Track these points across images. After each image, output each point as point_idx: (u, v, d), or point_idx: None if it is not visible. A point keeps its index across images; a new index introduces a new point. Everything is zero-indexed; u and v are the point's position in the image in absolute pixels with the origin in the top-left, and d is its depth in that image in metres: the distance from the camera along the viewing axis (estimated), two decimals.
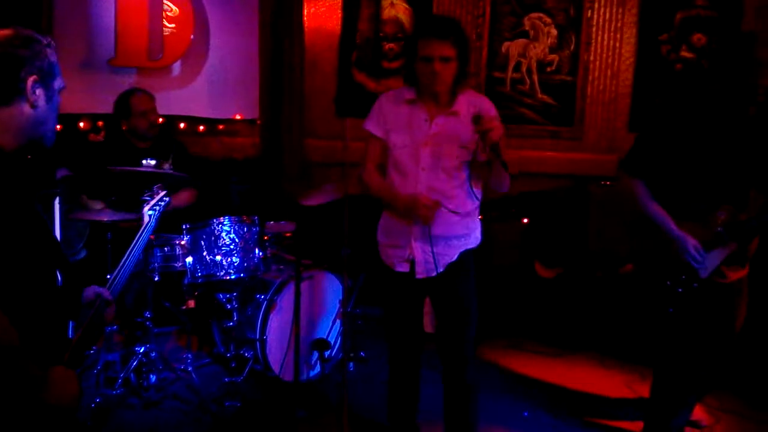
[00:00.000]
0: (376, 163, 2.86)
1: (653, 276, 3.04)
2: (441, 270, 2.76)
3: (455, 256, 2.79)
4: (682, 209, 2.92)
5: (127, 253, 2.10)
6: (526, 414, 3.51)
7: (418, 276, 2.77)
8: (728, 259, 2.91)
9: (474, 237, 2.86)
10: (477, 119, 2.51)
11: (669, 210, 2.92)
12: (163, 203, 2.60)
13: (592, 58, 5.04)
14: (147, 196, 2.65)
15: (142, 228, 2.36)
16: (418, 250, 2.75)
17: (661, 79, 4.94)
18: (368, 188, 2.88)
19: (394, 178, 2.79)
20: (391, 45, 5.22)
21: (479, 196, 2.81)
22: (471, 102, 2.71)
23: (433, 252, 2.72)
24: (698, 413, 3.44)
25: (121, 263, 2.04)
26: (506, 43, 5.12)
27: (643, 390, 3.57)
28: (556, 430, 3.38)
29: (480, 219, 4.81)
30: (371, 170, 2.87)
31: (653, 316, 3.14)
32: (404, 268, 2.79)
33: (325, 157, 5.11)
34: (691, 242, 2.87)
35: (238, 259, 3.42)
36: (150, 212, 2.52)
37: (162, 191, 2.65)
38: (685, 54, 4.90)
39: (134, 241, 2.17)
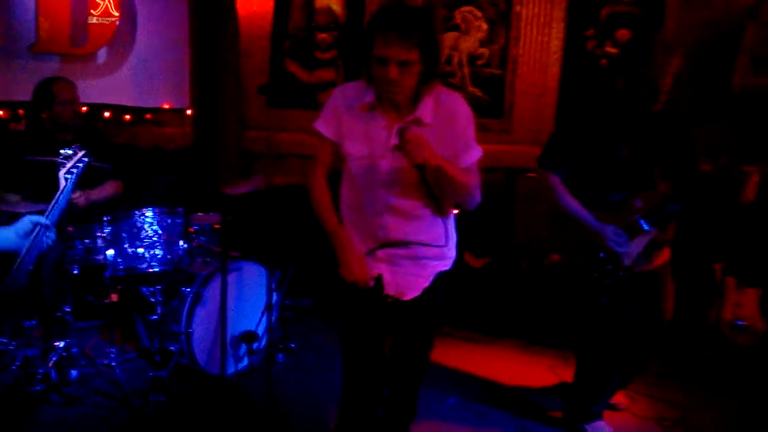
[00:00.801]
0: (326, 167, 2.47)
1: (580, 269, 3.11)
2: (417, 294, 2.42)
3: (431, 279, 2.44)
4: (597, 201, 3.00)
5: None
6: (451, 401, 3.58)
7: (388, 299, 2.42)
8: (651, 244, 3.02)
9: (451, 255, 2.51)
10: (400, 132, 2.18)
11: (585, 203, 2.99)
12: (81, 164, 2.43)
13: (521, 52, 5.13)
14: (63, 159, 2.47)
15: (58, 193, 2.23)
16: (385, 269, 2.41)
17: (586, 73, 5.07)
18: (313, 205, 2.47)
19: (347, 194, 2.45)
20: (324, 35, 5.20)
21: (451, 213, 2.51)
22: (439, 104, 2.30)
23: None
24: (616, 396, 3.57)
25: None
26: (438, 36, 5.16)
27: (566, 375, 3.70)
28: (480, 416, 3.46)
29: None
30: (318, 179, 2.46)
31: (583, 307, 3.22)
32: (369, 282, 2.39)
33: (256, 147, 5.07)
34: (610, 228, 2.94)
35: (161, 252, 3.36)
36: (67, 176, 2.36)
37: (80, 152, 2.47)
38: (610, 49, 5.04)
39: (49, 208, 2.07)
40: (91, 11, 4.74)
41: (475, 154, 2.39)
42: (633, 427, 3.42)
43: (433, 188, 2.30)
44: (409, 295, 2.41)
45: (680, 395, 3.77)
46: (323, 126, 2.42)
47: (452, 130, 2.32)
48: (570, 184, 3.04)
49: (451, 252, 2.50)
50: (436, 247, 2.40)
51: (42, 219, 2.01)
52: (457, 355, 4.18)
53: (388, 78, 2.15)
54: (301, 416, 3.32)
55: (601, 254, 3.00)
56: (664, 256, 3.17)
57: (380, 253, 2.38)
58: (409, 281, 2.40)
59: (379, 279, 2.38)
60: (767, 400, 3.76)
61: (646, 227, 2.97)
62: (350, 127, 2.35)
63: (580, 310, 3.26)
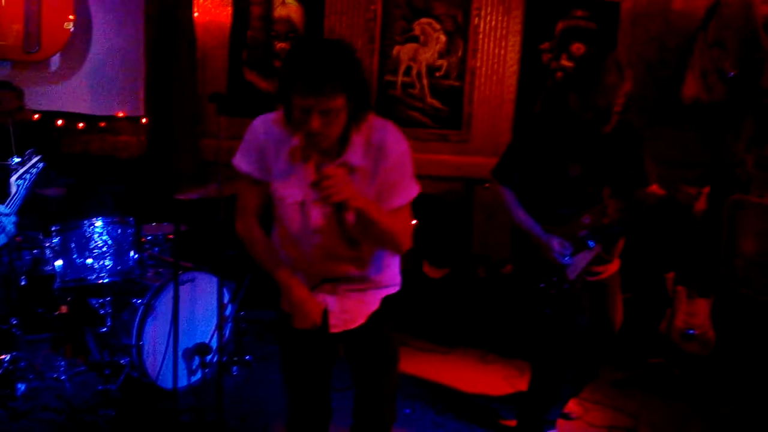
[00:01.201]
0: (257, 211, 2.21)
1: (527, 279, 3.18)
2: (362, 321, 2.26)
3: (377, 304, 2.28)
4: (548, 215, 3.07)
5: None
6: (407, 411, 3.57)
7: (333, 330, 2.25)
8: (595, 259, 3.08)
9: (396, 281, 2.34)
10: (316, 181, 1.93)
11: (536, 215, 3.06)
12: (34, 171, 2.37)
13: (478, 64, 5.19)
14: (16, 165, 2.38)
15: (9, 199, 2.16)
16: (329, 299, 2.24)
17: (542, 86, 5.15)
18: (251, 251, 2.23)
19: (283, 236, 2.21)
20: (283, 44, 5.19)
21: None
22: (370, 143, 2.06)
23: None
24: (569, 405, 3.61)
25: None
26: (397, 47, 5.19)
27: (521, 384, 3.72)
28: (435, 425, 3.46)
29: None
30: (252, 227, 2.21)
31: (530, 316, 3.28)
32: None
33: (213, 156, 5.01)
34: (556, 240, 3.00)
35: (111, 262, 3.30)
36: (19, 182, 2.30)
37: (34, 157, 2.39)
38: (565, 62, 5.13)
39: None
40: (44, 17, 4.65)
41: (407, 194, 2.14)
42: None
43: (353, 232, 2.10)
44: (356, 323, 2.27)
45: (633, 404, 3.82)
46: (246, 164, 2.14)
47: (383, 169, 2.09)
48: (523, 197, 3.11)
49: (397, 278, 2.35)
50: (380, 277, 2.28)
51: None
52: (414, 365, 4.18)
53: (310, 128, 1.94)
54: (252, 430, 3.28)
55: (547, 266, 3.07)
56: (613, 267, 3.24)
57: (324, 285, 2.24)
58: (354, 310, 2.26)
59: (324, 312, 2.23)
60: (718, 408, 3.84)
61: (591, 244, 3.04)
62: (279, 168, 2.12)
63: (528, 319, 3.31)
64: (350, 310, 2.25)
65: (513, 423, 3.45)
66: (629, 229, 3.09)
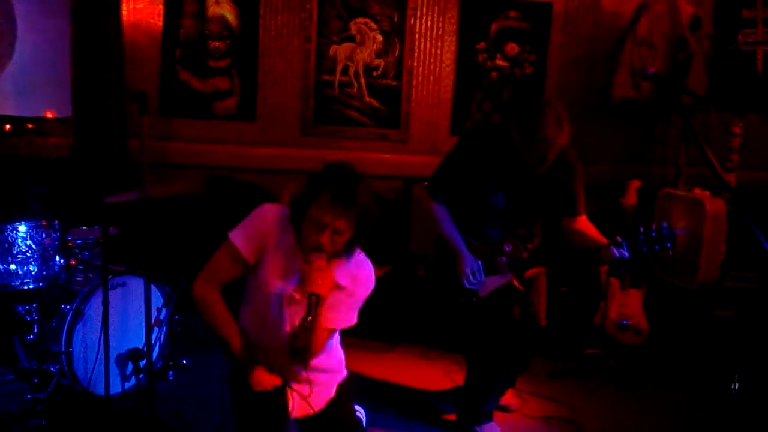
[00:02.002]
0: (224, 283, 2.36)
1: (442, 281, 3.28)
2: (322, 406, 2.49)
3: (333, 390, 2.54)
4: (476, 233, 3.17)
5: None
6: None
7: (294, 416, 2.40)
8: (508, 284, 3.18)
9: (343, 368, 2.63)
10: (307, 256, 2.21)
11: (465, 229, 3.16)
12: None
13: (415, 64, 5.22)
14: None
15: None
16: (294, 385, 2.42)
17: (478, 85, 5.22)
18: (206, 313, 2.35)
19: (248, 321, 2.39)
20: (217, 43, 5.11)
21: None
22: (350, 268, 2.35)
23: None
24: (507, 398, 3.66)
25: None
26: (334, 47, 5.18)
27: (462, 379, 3.75)
28: (379, 422, 3.46)
29: None
30: (214, 291, 2.35)
31: (454, 312, 3.33)
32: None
33: (147, 157, 4.89)
34: (472, 265, 3.10)
35: (35, 268, 3.18)
36: None
37: None
38: (500, 62, 5.21)
39: None
40: None
41: (351, 321, 2.43)
42: (523, 427, 3.51)
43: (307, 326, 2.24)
44: (317, 407, 2.46)
45: (570, 394, 3.90)
46: (242, 243, 2.30)
47: (352, 294, 2.38)
48: (455, 211, 3.20)
49: (344, 364, 2.64)
50: (332, 365, 2.55)
51: None
52: (356, 363, 4.13)
53: (318, 242, 2.17)
54: None
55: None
56: (534, 270, 3.32)
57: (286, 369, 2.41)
58: (314, 395, 2.45)
59: (284, 394, 2.39)
60: (651, 397, 3.96)
61: (506, 270, 3.14)
62: (272, 259, 2.31)
63: (454, 314, 3.37)
64: (311, 396, 2.42)
65: (453, 417, 3.49)
66: (546, 265, 3.24)
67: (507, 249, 3.14)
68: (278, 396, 2.37)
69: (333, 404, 2.51)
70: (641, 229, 2.98)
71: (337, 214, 2.16)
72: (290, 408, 2.39)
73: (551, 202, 3.17)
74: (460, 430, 3.39)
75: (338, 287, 2.31)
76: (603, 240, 3.06)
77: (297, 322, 2.26)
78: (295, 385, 2.42)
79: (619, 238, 2.98)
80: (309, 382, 2.42)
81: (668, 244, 2.96)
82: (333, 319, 2.34)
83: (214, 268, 2.35)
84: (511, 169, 3.06)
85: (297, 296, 2.31)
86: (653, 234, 2.96)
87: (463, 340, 3.53)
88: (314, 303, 2.19)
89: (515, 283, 3.18)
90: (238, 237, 2.30)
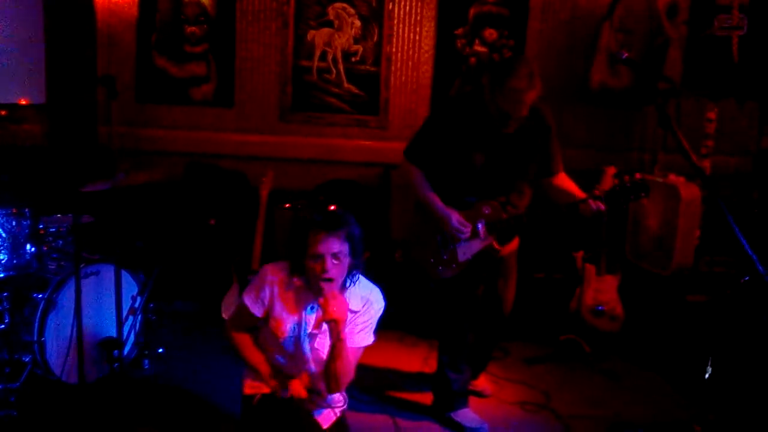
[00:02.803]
0: (245, 327, 2.73)
1: (418, 255, 3.29)
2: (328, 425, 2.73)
3: (333, 419, 2.77)
4: (453, 199, 3.15)
5: None
6: None
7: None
8: (488, 247, 3.17)
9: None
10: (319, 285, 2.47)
11: (443, 199, 3.14)
12: None
13: (394, 49, 5.19)
14: None
15: None
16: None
17: (457, 71, 5.20)
18: (240, 352, 2.72)
19: (274, 350, 2.69)
20: (194, 28, 5.05)
21: None
22: (362, 295, 2.62)
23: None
24: (483, 383, 3.69)
25: None
26: (312, 32, 5.13)
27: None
28: (358, 410, 3.46)
29: (288, 207, 4.87)
30: (244, 334, 2.73)
31: (421, 292, 3.36)
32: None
33: (124, 144, 4.86)
34: (455, 216, 3.09)
35: (5, 257, 3.14)
36: None
37: None
38: (478, 48, 5.19)
39: None
40: None
41: (369, 339, 2.69)
42: (499, 412, 3.53)
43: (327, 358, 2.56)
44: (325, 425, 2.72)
45: (545, 380, 3.93)
46: (253, 304, 2.63)
47: (364, 315, 2.64)
48: (431, 180, 3.19)
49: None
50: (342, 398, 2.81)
51: None
52: None
53: (324, 269, 2.43)
54: (159, 424, 3.21)
55: (438, 238, 3.18)
56: (514, 244, 3.36)
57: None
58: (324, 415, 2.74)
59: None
60: (626, 382, 4.00)
61: (485, 233, 3.13)
62: (280, 307, 2.60)
63: (420, 295, 3.40)
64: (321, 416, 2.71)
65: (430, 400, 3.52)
66: (524, 227, 3.19)
67: (486, 211, 3.13)
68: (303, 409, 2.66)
69: (337, 424, 2.77)
70: (617, 181, 3.05)
71: (325, 241, 2.43)
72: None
73: (528, 166, 3.17)
74: (436, 414, 3.41)
75: (352, 311, 2.57)
76: (582, 194, 3.11)
77: (321, 353, 2.61)
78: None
79: (597, 192, 3.04)
80: (330, 405, 2.73)
81: (642, 193, 3.02)
82: (354, 340, 2.61)
83: (237, 318, 2.73)
84: (485, 131, 3.07)
85: (315, 330, 2.61)
86: (628, 185, 3.01)
87: (432, 318, 3.58)
88: (336, 328, 2.46)
89: (494, 245, 3.16)
90: (246, 296, 2.65)
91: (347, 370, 2.57)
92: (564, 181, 3.26)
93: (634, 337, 4.36)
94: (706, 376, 3.35)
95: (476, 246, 3.16)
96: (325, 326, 2.54)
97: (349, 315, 2.54)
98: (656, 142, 4.90)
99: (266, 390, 2.67)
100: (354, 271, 2.56)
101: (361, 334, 2.64)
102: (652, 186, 4.42)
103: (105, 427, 3.13)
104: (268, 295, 2.61)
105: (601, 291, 4.31)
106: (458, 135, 3.10)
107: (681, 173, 4.40)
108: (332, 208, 2.64)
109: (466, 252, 3.17)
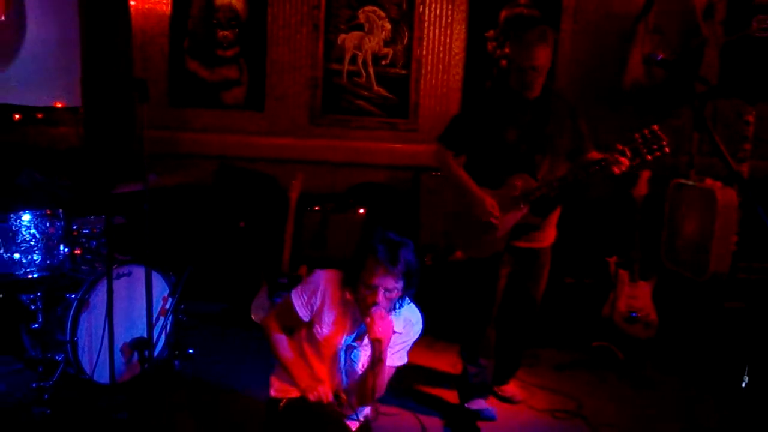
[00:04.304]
0: (284, 325, 2.73)
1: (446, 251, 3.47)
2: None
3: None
4: (487, 179, 3.25)
5: None
6: None
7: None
8: (525, 223, 3.25)
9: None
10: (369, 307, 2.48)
11: (477, 179, 3.25)
12: None
13: (424, 52, 5.18)
14: None
15: None
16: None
17: (487, 74, 5.16)
18: (273, 345, 2.72)
19: (309, 355, 2.69)
20: (226, 33, 5.09)
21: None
22: (403, 316, 2.64)
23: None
24: (512, 389, 3.64)
25: None
26: (342, 35, 5.14)
27: None
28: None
29: (317, 210, 4.87)
30: (279, 331, 2.73)
31: (472, 280, 3.42)
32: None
33: (157, 148, 4.91)
34: (489, 201, 3.19)
35: (39, 257, 3.20)
36: None
37: None
38: (509, 50, 5.14)
39: None
40: None
41: (403, 360, 2.72)
42: (529, 420, 3.48)
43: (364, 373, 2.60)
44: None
45: (576, 387, 3.87)
46: (301, 308, 2.64)
47: (404, 336, 2.67)
48: (465, 164, 3.33)
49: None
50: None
51: None
52: None
53: (375, 300, 2.46)
54: (188, 425, 3.22)
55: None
56: (548, 238, 3.38)
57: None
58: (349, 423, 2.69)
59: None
60: (660, 390, 3.91)
61: (521, 203, 3.20)
62: (328, 317, 2.62)
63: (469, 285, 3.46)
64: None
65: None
66: (557, 193, 3.20)
67: (517, 183, 3.21)
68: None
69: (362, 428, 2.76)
70: (636, 135, 3.06)
71: (382, 276, 2.44)
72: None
73: (559, 142, 3.24)
74: (459, 411, 3.44)
75: (395, 332, 2.58)
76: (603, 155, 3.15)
77: (355, 367, 2.63)
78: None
79: (619, 146, 3.06)
80: (357, 417, 2.70)
81: (663, 144, 3.03)
82: (391, 359, 2.62)
83: (280, 312, 2.73)
84: (513, 104, 3.20)
85: (356, 343, 2.63)
86: (648, 136, 3.04)
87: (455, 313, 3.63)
88: (379, 347, 2.48)
89: (531, 216, 3.23)
90: (295, 297, 2.65)
91: (381, 389, 2.61)
92: (595, 155, 3.28)
93: (669, 345, 4.27)
94: (743, 384, 3.26)
95: (512, 219, 3.22)
96: (366, 341, 2.57)
97: (393, 336, 2.56)
98: (692, 146, 4.80)
99: (292, 394, 2.66)
100: (403, 299, 2.59)
101: (397, 355, 2.67)
102: (688, 190, 4.37)
103: (138, 424, 3.16)
104: (319, 302, 2.61)
105: (635, 297, 4.23)
106: (488, 113, 3.23)
107: (718, 178, 4.30)
108: (396, 239, 2.52)
109: (504, 227, 3.23)
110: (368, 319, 2.46)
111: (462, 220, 3.34)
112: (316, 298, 2.62)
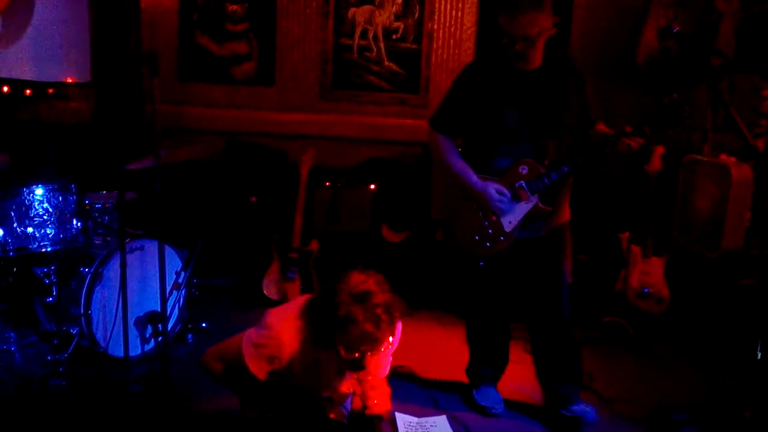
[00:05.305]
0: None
1: (461, 232, 3.08)
2: None
3: None
4: (485, 166, 2.98)
5: None
6: None
7: None
8: (535, 212, 2.96)
9: None
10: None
11: (474, 166, 2.98)
12: None
13: (435, 26, 5.12)
14: None
15: None
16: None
17: (499, 49, 5.09)
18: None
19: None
20: (235, 7, 5.06)
21: None
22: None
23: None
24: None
25: None
26: (352, 9, 5.09)
27: None
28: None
29: (328, 186, 4.86)
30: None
31: (463, 271, 3.24)
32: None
33: (166, 122, 4.89)
34: (492, 187, 2.92)
35: (52, 231, 3.22)
36: None
37: None
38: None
39: None
40: None
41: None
42: (540, 393, 3.49)
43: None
44: None
45: (588, 363, 3.85)
46: (262, 369, 2.51)
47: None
48: (462, 148, 3.06)
49: None
50: None
51: None
52: None
53: (367, 360, 2.40)
54: (201, 398, 3.25)
55: (480, 212, 3.00)
56: (564, 216, 3.13)
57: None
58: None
59: None
60: (672, 365, 3.91)
61: (528, 194, 2.93)
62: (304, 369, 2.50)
63: (461, 274, 3.27)
64: None
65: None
66: (568, 178, 2.98)
67: (523, 171, 2.93)
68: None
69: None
70: (655, 105, 2.82)
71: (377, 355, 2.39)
72: None
73: (563, 115, 2.93)
74: (468, 393, 3.42)
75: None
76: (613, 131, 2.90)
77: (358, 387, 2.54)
78: None
79: (628, 129, 2.80)
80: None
81: (686, 113, 2.78)
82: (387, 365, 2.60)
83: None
84: (509, 78, 2.89)
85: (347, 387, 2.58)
86: (666, 104, 2.78)
87: (462, 299, 3.43)
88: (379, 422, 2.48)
89: (540, 206, 2.95)
90: (251, 359, 2.45)
91: (387, 406, 2.58)
92: (603, 130, 3.01)
93: (681, 321, 4.26)
94: (758, 358, 3.24)
95: (521, 211, 2.96)
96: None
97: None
98: (706, 121, 4.74)
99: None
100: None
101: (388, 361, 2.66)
102: (702, 166, 4.32)
103: (151, 397, 3.19)
104: (285, 359, 2.42)
105: (648, 273, 4.22)
106: (483, 90, 2.92)
107: (732, 153, 4.26)
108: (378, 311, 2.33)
109: (512, 220, 2.97)
110: (359, 389, 2.44)
111: (461, 213, 3.07)
112: (277, 358, 2.42)
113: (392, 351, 2.62)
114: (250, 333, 2.48)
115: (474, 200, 2.98)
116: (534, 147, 2.94)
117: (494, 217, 2.98)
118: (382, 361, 2.52)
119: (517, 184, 2.94)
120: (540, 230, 3.04)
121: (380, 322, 2.29)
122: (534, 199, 2.95)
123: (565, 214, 3.15)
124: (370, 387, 2.38)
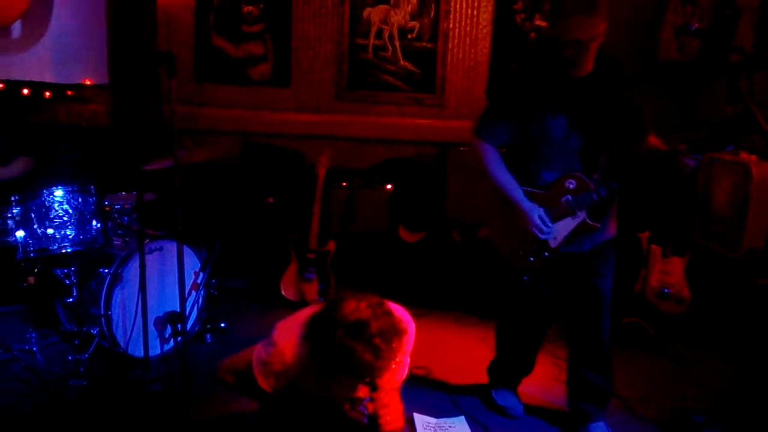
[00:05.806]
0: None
1: (505, 244, 2.99)
2: None
3: None
4: (532, 177, 2.86)
5: None
6: None
7: None
8: (581, 227, 2.83)
9: None
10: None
11: (518, 177, 2.85)
12: None
13: (451, 25, 5.11)
14: None
15: None
16: None
17: (516, 47, 5.08)
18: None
19: None
20: (250, 8, 5.08)
21: None
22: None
23: None
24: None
25: None
26: (368, 9, 5.10)
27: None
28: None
29: (344, 186, 4.87)
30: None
31: (506, 281, 3.12)
32: None
33: (183, 124, 4.93)
34: (537, 212, 2.79)
35: (72, 232, 3.25)
36: None
37: None
38: (538, 22, 5.06)
39: None
40: None
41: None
42: (559, 395, 3.47)
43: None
44: None
45: None
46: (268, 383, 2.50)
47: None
48: (506, 158, 2.90)
49: None
50: None
51: None
52: None
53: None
54: (220, 397, 3.25)
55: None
56: (609, 231, 2.97)
57: None
58: None
59: None
60: (691, 366, 3.87)
61: (576, 210, 2.80)
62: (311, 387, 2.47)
63: (502, 283, 3.15)
64: None
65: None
66: (617, 194, 2.83)
67: (570, 186, 2.77)
68: None
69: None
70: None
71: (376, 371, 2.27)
72: None
73: (615, 126, 2.75)
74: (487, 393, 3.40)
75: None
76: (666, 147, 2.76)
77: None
78: None
79: (681, 147, 2.68)
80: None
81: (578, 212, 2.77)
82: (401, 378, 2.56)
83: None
84: (556, 83, 2.71)
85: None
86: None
87: (499, 308, 3.34)
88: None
89: (588, 222, 2.80)
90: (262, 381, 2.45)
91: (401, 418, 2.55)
92: (656, 144, 2.85)
93: (702, 321, 4.22)
94: None
95: (567, 227, 2.82)
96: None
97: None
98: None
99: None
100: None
101: (404, 369, 2.59)
102: (722, 164, 4.28)
103: (171, 396, 3.21)
104: (292, 376, 2.40)
105: (668, 273, 4.18)
106: (530, 97, 2.75)
107: (753, 151, 4.21)
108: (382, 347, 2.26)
109: (557, 236, 2.83)
110: (371, 409, 2.38)
111: (505, 224, 2.93)
112: (283, 377, 2.40)
113: (404, 365, 2.57)
114: (259, 349, 2.48)
115: (516, 216, 2.85)
116: (583, 160, 2.80)
117: (536, 239, 2.85)
118: (393, 377, 2.47)
119: (563, 199, 2.80)
120: (583, 245, 2.90)
121: (379, 351, 2.21)
122: (582, 215, 2.81)
123: (611, 229, 2.99)
124: (382, 405, 2.33)
